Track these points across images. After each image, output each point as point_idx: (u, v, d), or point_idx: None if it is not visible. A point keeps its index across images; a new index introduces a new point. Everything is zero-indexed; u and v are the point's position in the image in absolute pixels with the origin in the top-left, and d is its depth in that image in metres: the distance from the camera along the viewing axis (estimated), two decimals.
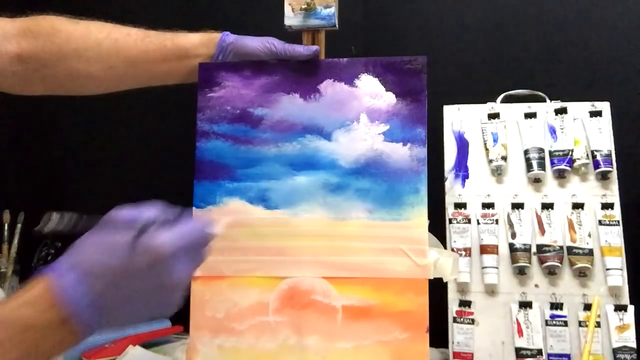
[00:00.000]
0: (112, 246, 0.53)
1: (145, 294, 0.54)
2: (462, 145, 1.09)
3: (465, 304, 1.02)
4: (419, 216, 0.76)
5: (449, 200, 1.07)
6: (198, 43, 0.84)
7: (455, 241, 1.05)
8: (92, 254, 0.53)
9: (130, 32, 0.84)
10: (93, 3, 1.41)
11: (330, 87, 0.81)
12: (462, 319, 1.02)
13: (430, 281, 0.76)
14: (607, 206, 1.02)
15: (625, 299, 0.98)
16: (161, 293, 0.55)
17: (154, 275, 0.54)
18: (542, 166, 1.05)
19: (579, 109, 1.07)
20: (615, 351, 0.96)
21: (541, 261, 1.01)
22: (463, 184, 1.08)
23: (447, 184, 1.08)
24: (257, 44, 0.82)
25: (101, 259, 0.53)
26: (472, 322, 1.01)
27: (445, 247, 1.02)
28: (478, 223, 1.05)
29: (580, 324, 0.98)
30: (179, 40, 0.84)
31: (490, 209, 1.05)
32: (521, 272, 1.02)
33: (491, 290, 1.03)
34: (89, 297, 0.52)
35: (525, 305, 1.00)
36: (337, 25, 0.82)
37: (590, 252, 1.00)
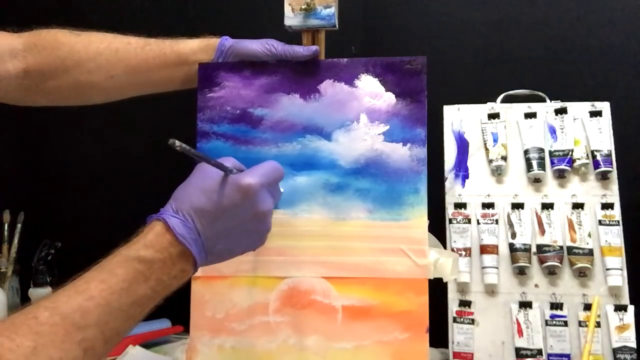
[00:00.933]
0: (207, 188, 0.62)
1: (239, 225, 0.64)
2: (462, 145, 1.09)
3: (465, 304, 1.02)
4: (419, 216, 0.76)
5: (449, 200, 1.07)
6: (197, 49, 0.85)
7: (455, 241, 1.05)
8: (191, 197, 0.62)
9: (131, 41, 0.85)
10: (94, 11, 1.42)
11: (330, 88, 0.81)
12: (462, 319, 1.02)
13: (430, 281, 0.76)
14: (607, 206, 1.02)
15: (625, 299, 0.98)
16: (252, 224, 0.65)
17: (245, 207, 0.63)
18: (542, 166, 1.05)
19: (579, 109, 1.07)
20: (615, 351, 0.96)
21: (541, 261, 1.01)
22: (463, 184, 1.08)
23: (447, 184, 1.08)
24: (256, 46, 0.82)
25: (198, 200, 0.62)
26: (472, 322, 1.02)
27: (445, 247, 1.02)
28: (478, 223, 1.05)
29: (580, 324, 0.98)
30: (178, 47, 0.85)
31: (490, 209, 1.05)
32: (521, 272, 1.02)
33: (491, 290, 1.03)
34: (193, 234, 0.61)
35: (525, 305, 1.00)
36: (337, 25, 0.82)
37: (590, 252, 1.00)
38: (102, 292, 0.55)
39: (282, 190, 0.73)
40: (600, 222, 1.01)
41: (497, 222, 1.04)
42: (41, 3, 1.44)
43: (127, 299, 0.56)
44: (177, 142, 0.57)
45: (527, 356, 0.98)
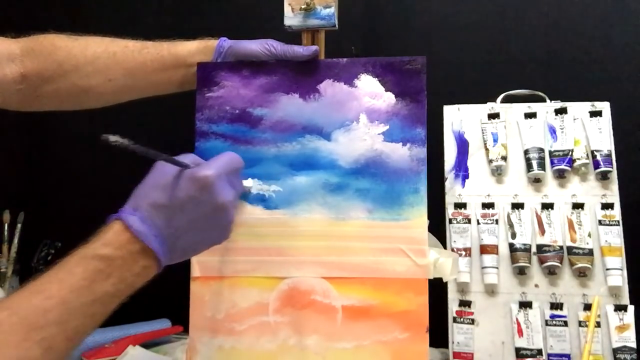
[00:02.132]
0: (164, 184, 0.62)
1: (200, 218, 0.63)
2: (462, 145, 1.09)
3: (465, 304, 1.02)
4: (419, 216, 0.76)
5: (449, 200, 1.07)
6: (195, 51, 0.85)
7: (455, 241, 1.05)
8: (148, 194, 0.62)
9: (128, 45, 0.86)
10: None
11: (329, 87, 0.81)
12: (462, 319, 1.02)
13: (430, 281, 0.76)
14: (607, 206, 1.02)
15: (625, 299, 0.98)
16: (213, 216, 0.64)
17: (204, 199, 0.63)
18: (542, 166, 1.05)
19: (579, 109, 1.07)
20: (615, 351, 0.96)
21: (541, 261, 1.01)
22: (463, 184, 1.08)
23: (447, 184, 1.08)
24: (255, 46, 0.82)
25: (157, 196, 0.62)
26: (472, 322, 1.01)
27: (445, 247, 1.02)
28: (478, 223, 1.05)
29: (580, 324, 0.98)
30: (176, 49, 0.85)
31: (490, 209, 1.05)
32: (521, 272, 1.02)
33: (491, 290, 1.03)
34: (154, 230, 0.61)
35: (525, 305, 1.00)
36: (337, 25, 0.82)
37: (590, 252, 1.00)
38: (61, 290, 0.54)
39: (249, 185, 0.76)
40: (600, 222, 1.01)
41: (497, 222, 1.04)
42: (40, 8, 1.44)
43: (88, 297, 0.56)
44: (112, 138, 0.55)
45: (527, 356, 0.98)
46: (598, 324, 0.97)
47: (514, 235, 1.03)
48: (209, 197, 0.63)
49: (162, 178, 0.63)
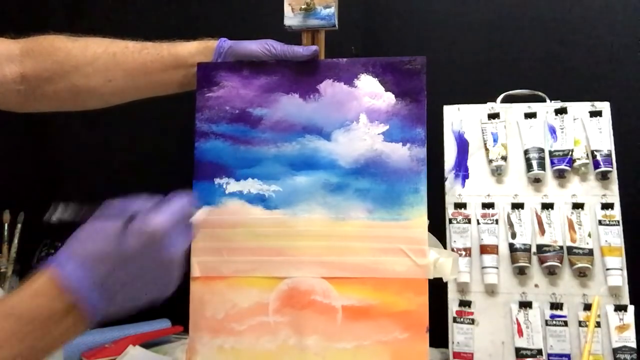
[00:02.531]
0: (106, 233, 0.57)
1: (144, 273, 0.58)
2: (462, 145, 1.09)
3: (465, 304, 1.02)
4: (419, 216, 0.76)
5: (449, 200, 1.07)
6: (195, 51, 0.85)
7: (455, 241, 1.05)
8: (88, 242, 0.57)
9: (128, 45, 0.85)
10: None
11: (329, 87, 0.81)
12: (462, 319, 1.02)
13: (430, 281, 0.76)
14: (607, 206, 1.02)
15: (625, 299, 0.98)
16: (158, 271, 0.59)
17: (148, 254, 0.57)
18: (542, 166, 1.05)
19: (579, 109, 1.07)
20: (615, 351, 0.96)
21: (541, 261, 1.01)
22: (463, 184, 1.07)
23: (447, 184, 1.08)
24: (255, 46, 0.82)
25: (96, 245, 0.56)
26: (472, 322, 1.01)
27: (445, 247, 1.02)
28: (478, 223, 1.05)
29: (580, 324, 0.98)
30: (176, 50, 0.85)
31: (490, 209, 1.05)
32: (521, 272, 1.02)
33: (491, 290, 1.03)
34: (90, 282, 0.55)
35: (525, 305, 1.00)
36: (337, 25, 0.82)
37: (590, 252, 1.00)
38: None
39: (201, 217, 0.65)
40: (600, 222, 1.01)
41: (497, 222, 1.04)
42: (41, 10, 1.44)
43: (5, 353, 0.51)
44: (55, 217, 0.54)
45: (527, 356, 0.98)
46: (598, 324, 0.97)
47: (514, 235, 1.03)
48: (155, 252, 0.57)
49: (105, 225, 0.58)
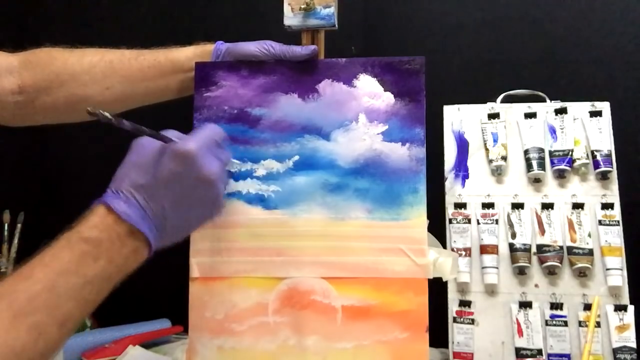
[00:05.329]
0: (144, 162, 0.61)
1: (186, 195, 0.61)
2: (462, 145, 1.09)
3: (465, 304, 1.02)
4: (418, 216, 0.76)
5: (449, 200, 1.07)
6: (192, 56, 0.85)
7: (455, 241, 1.05)
8: (129, 174, 0.60)
9: (124, 53, 0.86)
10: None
11: (328, 87, 0.81)
12: (462, 319, 1.02)
13: (430, 281, 0.76)
14: (607, 206, 1.01)
15: (625, 299, 0.98)
16: (201, 189, 0.62)
17: (187, 174, 0.60)
18: (542, 166, 1.05)
19: (579, 109, 1.07)
20: (615, 351, 0.96)
21: (541, 261, 1.01)
22: (463, 184, 1.07)
23: (447, 184, 1.08)
24: (253, 47, 0.83)
25: (138, 175, 0.60)
26: (472, 322, 1.01)
27: (445, 247, 1.02)
28: (478, 223, 1.05)
29: (580, 324, 0.98)
30: (173, 55, 0.85)
31: (490, 209, 1.05)
32: (521, 272, 1.02)
33: (491, 290, 1.03)
34: (139, 210, 0.59)
35: (525, 305, 1.00)
36: (336, 25, 0.82)
37: (590, 252, 1.00)
38: (48, 274, 0.53)
39: (229, 154, 0.70)
40: (600, 222, 1.01)
41: (497, 222, 1.04)
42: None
43: (76, 281, 0.54)
44: (101, 111, 0.55)
45: (527, 356, 0.98)
46: (598, 324, 0.97)
47: (514, 235, 1.03)
48: (192, 171, 0.61)
49: (141, 156, 0.61)
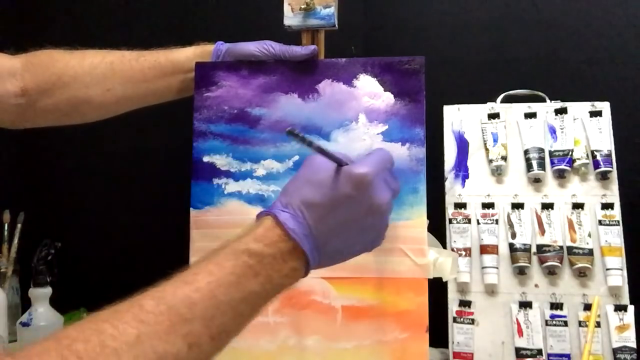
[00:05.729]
0: (318, 180, 0.59)
1: (355, 219, 0.59)
2: (462, 145, 1.09)
3: (465, 304, 1.02)
4: (418, 216, 0.76)
5: (449, 200, 1.07)
6: (192, 56, 0.86)
7: (455, 241, 1.05)
8: (300, 190, 0.59)
9: (125, 54, 0.87)
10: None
11: (328, 87, 0.81)
12: (462, 319, 1.02)
13: (430, 281, 0.76)
14: (607, 206, 1.01)
15: (625, 299, 0.98)
16: (369, 217, 0.60)
17: (360, 199, 0.59)
18: (542, 166, 1.05)
19: (579, 109, 1.07)
20: (615, 351, 0.96)
21: (541, 261, 1.01)
22: (463, 184, 1.07)
23: (447, 184, 1.08)
24: (253, 47, 0.83)
25: (310, 193, 0.58)
26: (472, 322, 1.01)
27: (445, 247, 1.02)
28: (478, 223, 1.05)
29: (580, 324, 0.98)
30: (173, 56, 0.86)
31: (490, 209, 1.05)
32: (521, 272, 1.02)
33: (491, 290, 1.03)
34: (305, 229, 0.57)
35: (525, 305, 1.00)
36: (336, 25, 0.82)
37: (590, 252, 1.00)
38: (209, 284, 0.52)
39: (398, 185, 0.66)
40: (600, 222, 1.01)
41: (497, 222, 1.04)
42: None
43: (236, 294, 0.53)
44: (297, 130, 0.55)
45: (527, 356, 0.98)
46: (598, 324, 0.97)
47: (514, 235, 1.03)
48: (365, 197, 0.59)
49: (316, 174, 0.59)
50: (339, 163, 0.59)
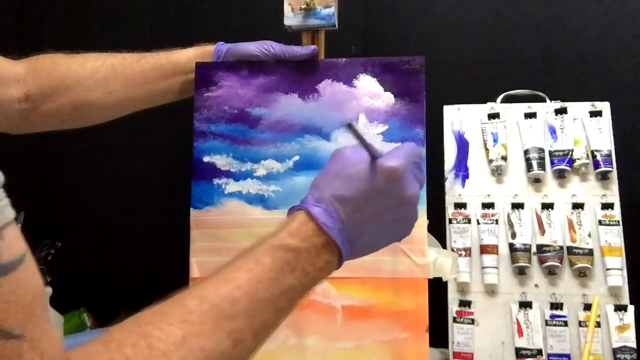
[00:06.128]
0: (349, 174, 0.58)
1: (386, 212, 0.59)
2: (462, 145, 1.09)
3: (465, 304, 1.02)
4: (419, 216, 0.76)
5: (449, 200, 1.07)
6: (193, 57, 0.86)
7: (455, 241, 1.05)
8: (332, 184, 0.58)
9: (126, 56, 0.87)
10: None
11: (329, 87, 0.81)
12: (462, 319, 1.02)
13: (430, 281, 0.76)
14: (607, 206, 1.01)
15: (625, 299, 0.98)
16: (400, 209, 0.60)
17: (391, 192, 0.58)
18: (542, 166, 1.05)
19: (579, 109, 1.07)
20: (615, 351, 0.96)
21: (541, 261, 1.01)
22: (463, 184, 1.07)
23: (447, 184, 1.08)
24: (253, 48, 0.83)
25: (341, 187, 0.58)
26: (472, 322, 1.01)
27: (445, 247, 1.02)
28: (478, 223, 1.05)
29: (580, 324, 0.98)
30: (174, 57, 0.86)
31: (490, 209, 1.05)
32: (521, 272, 1.02)
33: (491, 290, 1.03)
34: (338, 223, 0.57)
35: (525, 305, 1.00)
36: (336, 25, 0.82)
37: (590, 252, 1.00)
38: (250, 281, 0.52)
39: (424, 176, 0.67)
40: (600, 222, 1.01)
41: (497, 222, 1.04)
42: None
43: (275, 289, 0.53)
44: (355, 125, 0.56)
45: (527, 356, 0.98)
46: (598, 324, 0.97)
47: (514, 235, 1.03)
48: (396, 189, 0.59)
49: (346, 167, 0.59)
50: (373, 154, 0.59)
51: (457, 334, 1.01)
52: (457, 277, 1.02)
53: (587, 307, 0.98)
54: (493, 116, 1.09)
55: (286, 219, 0.58)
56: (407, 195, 0.60)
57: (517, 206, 1.04)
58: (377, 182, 0.58)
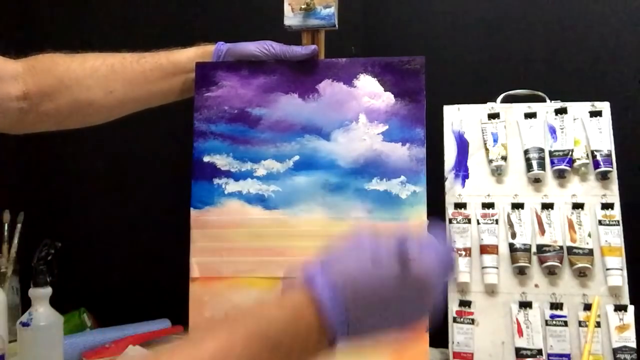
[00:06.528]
0: (381, 278, 0.52)
1: (403, 318, 0.55)
2: (462, 145, 1.09)
3: (465, 304, 1.02)
4: (418, 216, 0.76)
5: (449, 200, 1.07)
6: (193, 57, 0.86)
7: (455, 241, 1.05)
8: (356, 280, 0.52)
9: (126, 56, 0.87)
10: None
11: (329, 87, 0.81)
12: (462, 319, 1.02)
13: None
14: (607, 206, 1.01)
15: (625, 299, 0.98)
16: (417, 316, 0.57)
17: (417, 301, 0.55)
18: (542, 166, 1.05)
19: (579, 109, 1.07)
20: (615, 351, 0.96)
21: (541, 261, 1.01)
22: (463, 184, 1.07)
23: (447, 184, 1.08)
24: (253, 47, 0.83)
25: (367, 289, 0.52)
26: (472, 322, 1.01)
27: None
28: (478, 223, 1.05)
29: (580, 324, 0.98)
30: (174, 57, 0.86)
31: (490, 209, 1.05)
32: (521, 272, 1.02)
33: (491, 290, 1.03)
34: (344, 316, 0.51)
35: (525, 305, 1.00)
36: (336, 25, 0.82)
37: (590, 252, 1.00)
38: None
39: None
40: (600, 222, 1.01)
41: (497, 222, 1.04)
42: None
43: None
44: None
45: (527, 356, 0.98)
46: (598, 324, 0.97)
47: (514, 235, 1.03)
48: (420, 301, 0.55)
49: (363, 252, 0.53)
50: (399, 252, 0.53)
51: (457, 334, 1.01)
52: (457, 277, 1.02)
53: (587, 307, 0.98)
54: (493, 116, 1.09)
55: (288, 296, 0.53)
56: (431, 306, 0.56)
57: (517, 206, 1.04)
58: (407, 291, 0.53)
